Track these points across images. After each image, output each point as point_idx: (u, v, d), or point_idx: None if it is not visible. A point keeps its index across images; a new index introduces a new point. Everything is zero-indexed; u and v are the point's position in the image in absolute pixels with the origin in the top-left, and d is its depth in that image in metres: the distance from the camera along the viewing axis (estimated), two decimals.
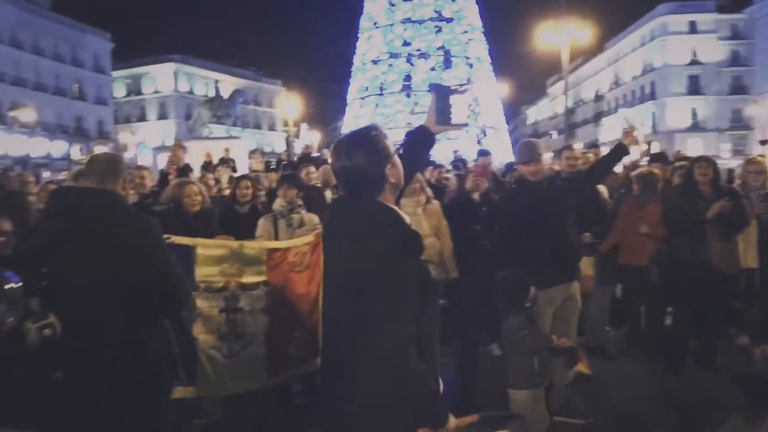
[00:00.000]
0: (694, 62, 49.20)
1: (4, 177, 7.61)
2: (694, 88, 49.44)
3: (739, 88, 47.90)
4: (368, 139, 2.23)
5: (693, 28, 48.97)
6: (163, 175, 6.44)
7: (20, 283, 2.15)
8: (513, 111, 59.38)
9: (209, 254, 3.62)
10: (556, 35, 21.50)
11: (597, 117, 58.73)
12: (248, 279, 3.68)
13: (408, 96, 35.57)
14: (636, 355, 5.42)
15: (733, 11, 47.04)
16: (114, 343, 2.65)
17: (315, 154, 14.70)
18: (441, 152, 22.66)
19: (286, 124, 40.30)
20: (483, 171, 6.32)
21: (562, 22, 21.39)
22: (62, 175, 10.28)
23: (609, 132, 55.37)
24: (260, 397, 4.03)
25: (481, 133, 35.58)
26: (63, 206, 2.87)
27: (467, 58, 36.21)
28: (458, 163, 11.34)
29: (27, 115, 36.23)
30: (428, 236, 5.15)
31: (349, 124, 37.74)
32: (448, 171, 9.08)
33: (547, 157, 7.28)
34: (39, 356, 2.90)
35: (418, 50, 35.68)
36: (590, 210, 5.16)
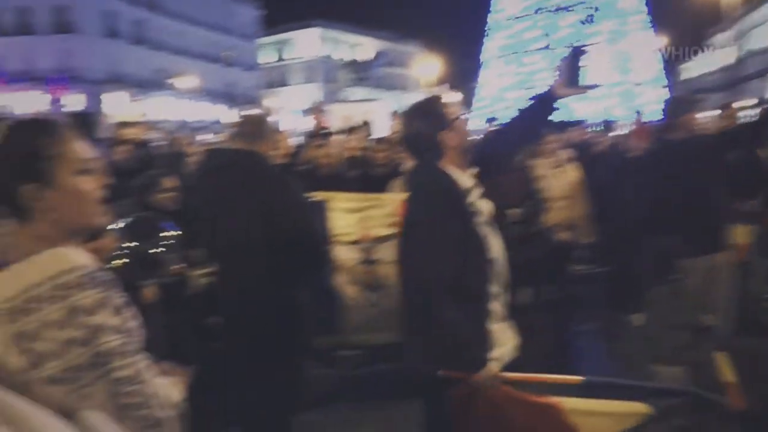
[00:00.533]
0: None
1: (172, 140, 8.38)
2: None
3: None
4: (425, 106, 2.37)
5: None
6: (307, 138, 6.74)
7: (179, 233, 2.39)
8: (669, 65, 54.73)
9: (344, 208, 3.77)
10: None
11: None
12: (383, 231, 3.79)
13: (549, 52, 34.03)
14: None
15: None
16: (262, 295, 2.86)
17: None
18: (589, 110, 21.54)
19: (423, 85, 40.28)
20: (641, 132, 5.94)
21: None
22: (214, 138, 11.12)
23: None
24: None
25: (634, 88, 33.31)
26: (215, 166, 3.11)
27: (617, 9, 33.81)
28: (607, 123, 10.75)
29: (186, 82, 39.32)
30: (558, 199, 4.96)
31: (487, 84, 36.94)
32: (597, 131, 8.66)
33: (704, 116, 6.63)
34: (200, 302, 3.20)
35: (562, 4, 33.87)
36: (750, 175, 4.68)
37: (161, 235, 2.31)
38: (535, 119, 2.66)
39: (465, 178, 2.36)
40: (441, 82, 39.80)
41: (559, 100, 2.58)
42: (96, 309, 1.16)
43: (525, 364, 2.30)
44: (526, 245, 3.71)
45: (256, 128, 3.07)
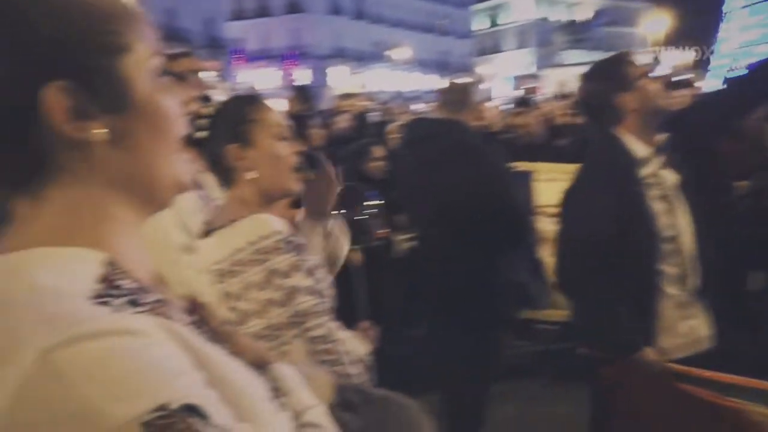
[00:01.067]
0: None
1: (385, 110, 8.78)
2: None
3: None
4: (604, 65, 2.21)
5: None
6: (515, 106, 6.59)
7: (381, 201, 2.51)
8: None
9: (548, 178, 3.64)
10: None
11: None
12: None
13: None
14: None
15: None
16: (463, 265, 2.87)
17: (684, 77, 13.18)
18: None
19: (651, 44, 36.85)
20: None
21: None
22: (425, 107, 11.38)
23: None
24: None
25: None
26: (417, 136, 3.17)
27: None
28: None
29: (401, 53, 40.66)
30: None
31: (730, 38, 32.58)
32: None
33: None
34: (404, 265, 3.33)
35: None
36: None
37: (366, 203, 2.43)
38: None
39: (641, 146, 2.10)
40: (671, 39, 36.04)
41: None
42: (291, 272, 1.25)
43: (737, 359, 1.98)
44: (757, 223, 3.22)
45: (459, 97, 3.04)
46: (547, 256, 3.61)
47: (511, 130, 5.06)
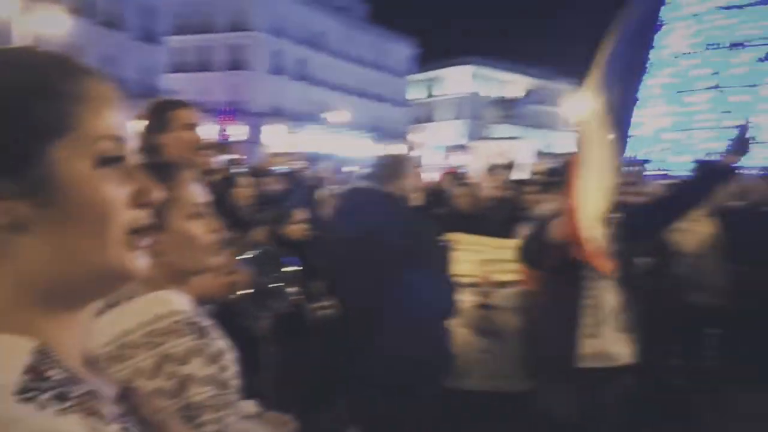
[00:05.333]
0: None
1: (316, 172, 8.82)
2: None
3: None
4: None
5: None
6: (447, 176, 6.75)
7: (298, 268, 2.45)
8: None
9: (468, 249, 3.73)
10: None
11: None
12: (503, 277, 3.71)
13: (717, 92, 31.58)
14: None
15: None
16: (385, 335, 2.85)
17: None
18: (758, 157, 19.60)
19: (573, 124, 39.06)
20: None
21: None
22: (357, 170, 11.51)
23: None
24: None
25: None
26: (351, 205, 3.18)
27: None
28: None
29: (339, 116, 41.37)
30: (691, 255, 4.54)
31: (644, 124, 35.00)
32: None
33: None
34: (318, 334, 3.27)
35: (737, 40, 31.37)
36: None
37: (283, 269, 2.38)
38: (703, 190, 2.72)
39: None
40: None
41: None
42: (188, 357, 1.11)
43: None
44: (655, 299, 3.43)
45: (393, 168, 3.09)
46: (456, 326, 3.65)
47: (449, 201, 5.15)
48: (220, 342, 1.20)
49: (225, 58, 40.99)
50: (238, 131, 32.33)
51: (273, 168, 6.90)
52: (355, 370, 2.92)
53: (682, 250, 4.41)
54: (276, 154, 8.05)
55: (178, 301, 1.17)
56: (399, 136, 50.82)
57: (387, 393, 2.81)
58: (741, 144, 2.50)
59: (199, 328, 1.16)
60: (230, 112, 36.68)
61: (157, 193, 0.68)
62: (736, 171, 2.60)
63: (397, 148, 36.28)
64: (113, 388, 0.70)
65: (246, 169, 5.80)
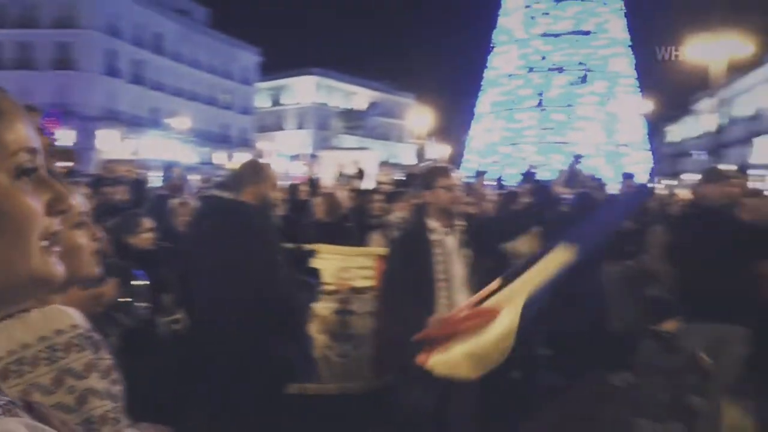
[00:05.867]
0: None
1: (163, 180, 8.43)
2: None
3: None
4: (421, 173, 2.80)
5: None
6: (293, 186, 6.80)
7: (147, 282, 2.38)
8: (654, 128, 55.89)
9: (326, 259, 3.83)
10: (707, 48, 20.07)
11: (750, 137, 53.84)
12: (359, 283, 3.86)
13: (541, 111, 34.76)
14: None
15: None
16: (236, 344, 2.86)
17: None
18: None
19: (415, 136, 40.83)
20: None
21: (715, 35, 19.95)
22: (202, 179, 11.17)
23: (764, 154, 50.57)
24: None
25: (619, 149, 33.96)
26: (200, 213, 3.16)
27: (606, 72, 34.76)
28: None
29: (180, 122, 39.64)
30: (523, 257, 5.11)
31: (477, 138, 37.53)
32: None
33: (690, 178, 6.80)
34: (168, 348, 3.19)
35: (555, 64, 34.75)
36: None
37: (132, 283, 2.29)
38: (535, 216, 3.13)
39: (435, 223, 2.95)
40: (433, 133, 40.38)
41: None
42: (87, 372, 1.11)
43: None
44: None
45: (244, 177, 3.11)
46: (315, 333, 3.76)
47: (304, 209, 5.21)
48: (109, 357, 1.19)
49: (50, 56, 37.58)
50: (64, 136, 29.76)
51: (114, 176, 6.52)
52: (207, 381, 2.91)
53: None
54: (113, 161, 7.58)
55: (75, 316, 1.15)
56: (245, 144, 49.85)
57: (241, 401, 2.83)
58: (570, 177, 2.93)
59: (94, 343, 1.15)
60: (55, 114, 33.63)
61: (72, 200, 0.70)
62: (565, 199, 3.04)
63: (244, 157, 35.58)
64: (18, 402, 0.70)
65: (82, 177, 5.44)
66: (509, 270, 2.95)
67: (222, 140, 49.04)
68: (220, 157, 42.35)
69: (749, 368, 5.12)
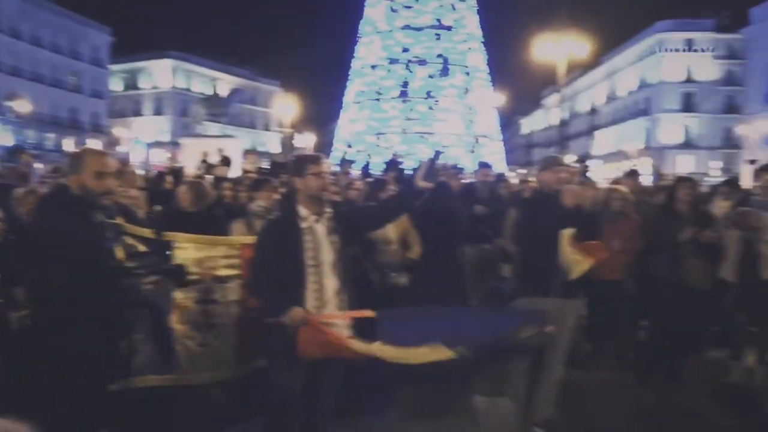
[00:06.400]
0: (689, 80, 49.73)
1: (10, 169, 7.73)
2: (688, 105, 49.92)
3: (731, 108, 48.37)
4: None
5: (690, 46, 49.47)
6: (159, 175, 6.58)
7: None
8: (507, 121, 59.60)
9: (187, 248, 3.80)
10: (553, 48, 21.74)
11: (591, 130, 59.15)
12: (223, 272, 3.87)
13: (404, 102, 35.74)
14: (607, 366, 5.60)
15: (731, 31, 47.50)
16: (60, 337, 2.87)
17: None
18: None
19: (281, 125, 40.38)
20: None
21: (559, 35, 21.65)
22: (48, 166, 10.40)
23: (602, 146, 55.83)
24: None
25: (475, 141, 35.80)
26: (43, 203, 3.10)
27: (465, 66, 36.43)
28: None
29: (22, 105, 36.15)
30: (393, 243, 5.31)
31: (344, 127, 37.87)
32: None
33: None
34: (21, 342, 3.10)
35: (417, 57, 35.82)
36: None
37: None
38: (401, 205, 3.41)
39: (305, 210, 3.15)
40: (299, 122, 40.19)
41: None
42: None
43: None
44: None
45: (72, 163, 3.14)
46: (175, 323, 3.75)
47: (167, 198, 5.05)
48: None
49: None
50: None
51: None
52: (52, 375, 2.91)
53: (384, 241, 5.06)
54: None
55: None
56: (98, 129, 46.60)
57: (84, 393, 2.85)
58: (429, 172, 3.13)
59: None
60: None
61: None
62: (426, 191, 3.23)
63: (95, 143, 33.21)
64: None
65: None
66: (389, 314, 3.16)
67: (71, 125, 45.46)
68: (69, 144, 39.26)
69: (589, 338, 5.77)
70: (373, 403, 4.55)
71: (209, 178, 8.16)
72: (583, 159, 19.62)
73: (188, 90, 53.38)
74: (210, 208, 5.13)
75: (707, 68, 49.08)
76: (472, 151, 33.68)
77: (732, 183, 6.51)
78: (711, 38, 48.94)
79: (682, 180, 5.45)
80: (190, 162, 12.87)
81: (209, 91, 40.16)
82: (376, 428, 4.29)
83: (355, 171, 13.03)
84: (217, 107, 21.65)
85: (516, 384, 3.72)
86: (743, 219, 4.86)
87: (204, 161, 12.05)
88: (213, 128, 21.68)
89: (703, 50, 49.01)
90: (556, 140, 34.01)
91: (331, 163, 3.69)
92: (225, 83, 53.37)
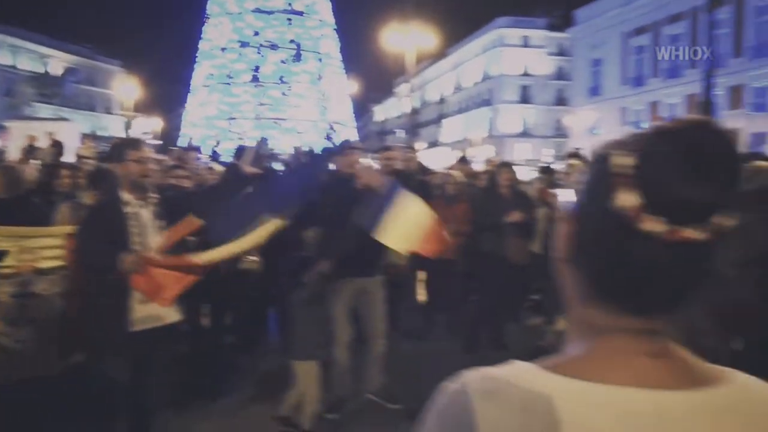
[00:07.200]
0: (525, 74, 53.70)
1: None
2: (525, 97, 53.97)
3: (561, 100, 52.96)
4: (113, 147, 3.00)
5: (526, 43, 53.41)
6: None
7: None
8: (362, 108, 60.66)
9: (3, 241, 3.57)
10: (401, 38, 22.49)
11: (440, 119, 61.91)
12: (44, 264, 3.69)
13: (256, 86, 35.08)
14: (441, 337, 6.07)
15: (560, 30, 51.84)
16: None
17: (156, 142, 14.17)
18: (293, 144, 22.64)
19: (123, 107, 37.93)
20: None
21: (407, 26, 22.44)
22: None
23: (450, 133, 58.73)
24: None
25: (329, 128, 36.07)
26: None
27: (318, 53, 36.46)
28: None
29: None
30: None
31: (192, 111, 36.43)
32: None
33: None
34: None
35: (269, 41, 35.24)
36: None
37: None
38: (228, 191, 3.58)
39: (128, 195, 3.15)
40: (143, 104, 37.99)
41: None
42: None
43: None
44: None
45: None
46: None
47: None
48: None
49: None
50: None
51: None
52: None
53: None
54: None
55: None
56: None
57: None
58: (256, 157, 3.28)
59: None
60: None
61: None
62: (255, 177, 3.36)
63: None
64: None
65: None
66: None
67: None
68: None
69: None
70: (214, 388, 4.59)
71: (35, 163, 7.60)
72: (432, 145, 20.51)
73: (14, 67, 48.30)
74: (27, 196, 4.80)
75: (541, 63, 53.27)
76: (328, 138, 33.93)
77: (547, 169, 7.31)
78: (544, 36, 53.15)
79: (502, 165, 6.01)
80: (14, 146, 11.79)
81: (39, 70, 36.69)
82: (216, 412, 4.35)
83: (204, 156, 12.66)
84: (48, 87, 20.01)
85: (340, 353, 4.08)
86: (544, 198, 5.54)
87: (30, 145, 11.10)
88: (45, 110, 19.99)
89: (537, 47, 53.12)
90: (408, 128, 35.26)
91: (151, 149, 3.66)
92: (58, 61, 48.86)
